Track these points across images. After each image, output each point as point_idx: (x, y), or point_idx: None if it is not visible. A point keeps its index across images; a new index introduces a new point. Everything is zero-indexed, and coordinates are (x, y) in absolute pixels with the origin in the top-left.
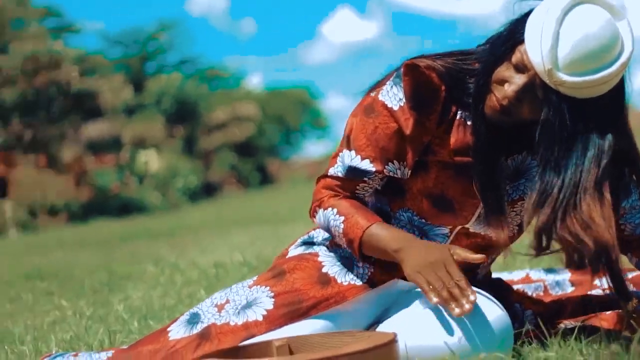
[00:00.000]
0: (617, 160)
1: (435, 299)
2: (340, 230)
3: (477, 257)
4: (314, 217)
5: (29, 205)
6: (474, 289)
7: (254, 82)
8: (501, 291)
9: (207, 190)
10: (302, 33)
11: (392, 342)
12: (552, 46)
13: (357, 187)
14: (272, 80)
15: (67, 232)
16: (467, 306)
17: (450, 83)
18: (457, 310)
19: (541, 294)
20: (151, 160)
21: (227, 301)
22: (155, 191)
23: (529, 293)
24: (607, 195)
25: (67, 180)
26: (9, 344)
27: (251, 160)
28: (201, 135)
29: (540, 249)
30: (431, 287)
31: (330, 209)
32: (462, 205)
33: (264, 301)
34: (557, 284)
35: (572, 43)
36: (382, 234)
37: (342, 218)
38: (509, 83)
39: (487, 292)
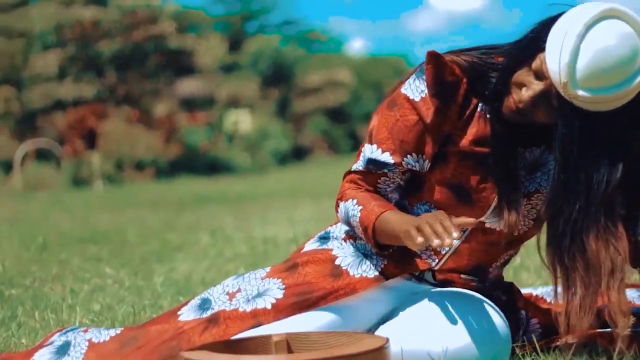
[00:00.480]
0: (633, 169)
1: (419, 239)
2: (357, 219)
3: (470, 220)
4: (337, 211)
5: (117, 158)
6: (476, 295)
7: (356, 46)
8: (508, 295)
9: (297, 154)
10: (409, 1)
11: (382, 348)
12: (570, 61)
13: (379, 180)
14: (374, 45)
15: (149, 188)
16: (447, 240)
17: (472, 76)
18: (436, 242)
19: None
20: (243, 121)
21: (239, 290)
22: (244, 152)
23: (547, 300)
24: (616, 214)
25: (157, 135)
26: (40, 311)
27: (343, 126)
28: (295, 98)
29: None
30: (419, 231)
31: (350, 200)
32: (479, 196)
33: (275, 291)
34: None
35: (590, 60)
36: (393, 217)
37: (360, 207)
38: (527, 88)
39: (493, 292)
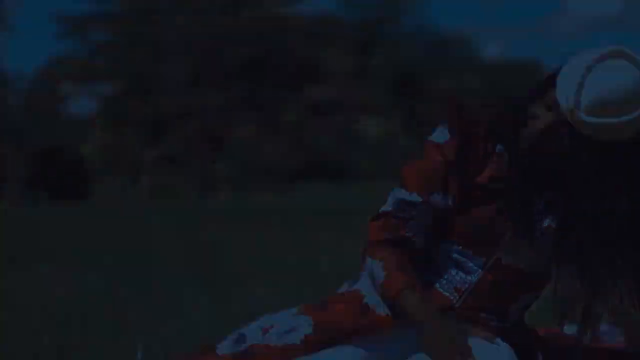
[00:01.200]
0: None
1: None
2: (380, 283)
3: None
4: (364, 261)
5: (244, 166)
6: (490, 341)
7: (490, 51)
8: (525, 338)
9: None
10: (546, 4)
11: None
12: (578, 88)
13: (407, 224)
14: (509, 50)
15: (274, 196)
16: None
17: (491, 120)
18: None
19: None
20: (371, 126)
21: (272, 326)
22: (372, 158)
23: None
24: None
25: (285, 142)
26: None
27: None
28: (424, 104)
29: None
30: None
31: (378, 260)
32: (496, 229)
33: (305, 328)
34: (609, 331)
35: (597, 87)
36: (412, 301)
37: (385, 273)
38: (538, 120)
39: (512, 334)
